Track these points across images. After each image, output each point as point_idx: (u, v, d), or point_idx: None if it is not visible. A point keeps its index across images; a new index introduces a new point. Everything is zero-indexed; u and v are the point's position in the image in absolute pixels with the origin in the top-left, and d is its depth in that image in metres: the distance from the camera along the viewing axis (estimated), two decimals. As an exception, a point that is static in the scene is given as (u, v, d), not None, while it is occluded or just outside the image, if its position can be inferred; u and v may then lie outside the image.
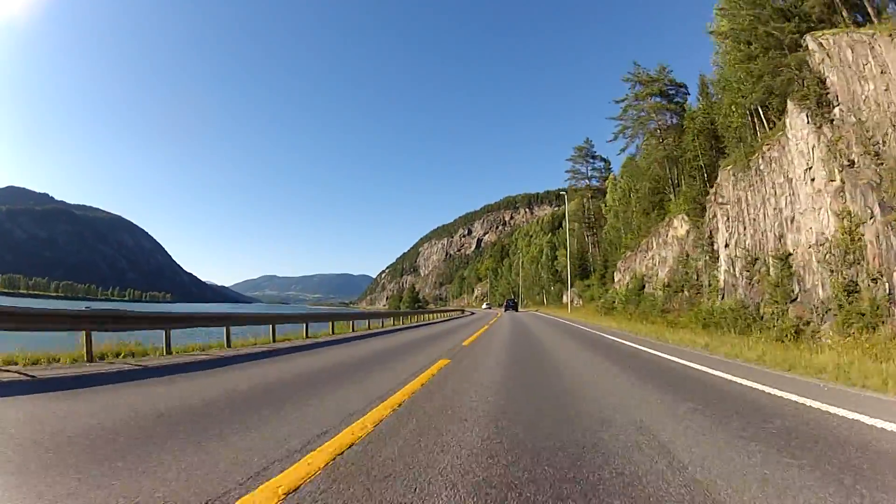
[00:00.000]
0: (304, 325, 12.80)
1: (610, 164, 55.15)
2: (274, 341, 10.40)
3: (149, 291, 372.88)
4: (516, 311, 49.82)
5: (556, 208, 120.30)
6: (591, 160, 55.21)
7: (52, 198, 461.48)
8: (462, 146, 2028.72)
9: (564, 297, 55.12)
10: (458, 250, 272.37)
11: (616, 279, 35.08)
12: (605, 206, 44.75)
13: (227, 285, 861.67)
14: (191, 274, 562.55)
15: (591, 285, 47.04)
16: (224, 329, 9.27)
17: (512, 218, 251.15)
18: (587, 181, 55.17)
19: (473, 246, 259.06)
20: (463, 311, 52.94)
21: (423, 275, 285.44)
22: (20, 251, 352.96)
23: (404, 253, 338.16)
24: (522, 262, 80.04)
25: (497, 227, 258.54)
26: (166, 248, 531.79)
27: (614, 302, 32.20)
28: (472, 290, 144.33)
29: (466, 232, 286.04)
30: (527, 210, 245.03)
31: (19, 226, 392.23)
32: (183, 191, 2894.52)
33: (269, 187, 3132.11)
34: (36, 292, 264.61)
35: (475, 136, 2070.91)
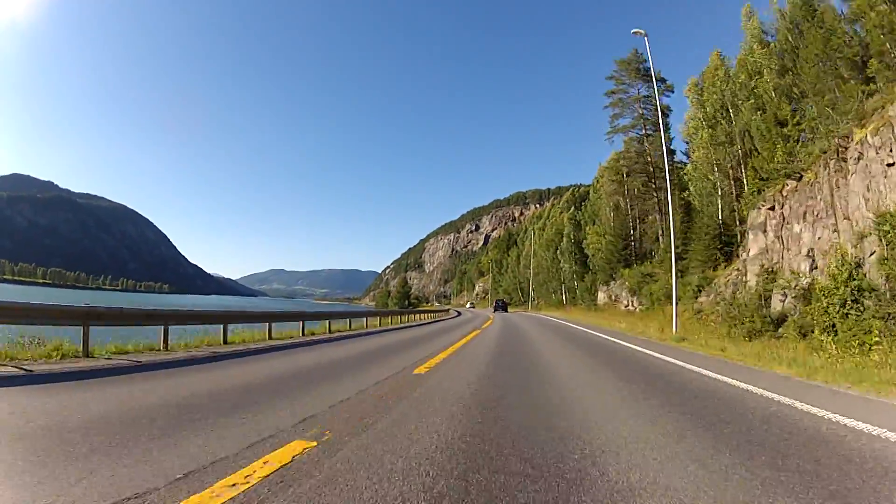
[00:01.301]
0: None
1: (672, 88, 34.21)
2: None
3: (146, 282, 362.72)
4: (506, 311, 45.12)
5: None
6: (645, 79, 34.72)
7: (56, 186, 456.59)
8: (472, 144, 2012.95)
9: (600, 295, 35.45)
10: (465, 246, 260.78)
11: (748, 255, 15.51)
12: (689, 128, 25.06)
13: (234, 278, 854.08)
14: (196, 266, 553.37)
15: (652, 276, 27.44)
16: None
17: (522, 214, 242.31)
18: (640, 110, 34.60)
19: (481, 242, 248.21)
20: (448, 311, 47.66)
21: (427, 271, 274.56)
22: (20, 238, 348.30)
23: (410, 248, 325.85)
24: (534, 249, 59.97)
25: (506, 223, 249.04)
26: (172, 240, 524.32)
27: (762, 302, 12.88)
28: (473, 287, 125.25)
29: (474, 227, 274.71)
30: (537, 206, 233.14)
31: (19, 213, 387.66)
32: (192, 184, 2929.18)
33: (279, 183, 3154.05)
34: (21, 279, 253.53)
35: (485, 133, 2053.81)
